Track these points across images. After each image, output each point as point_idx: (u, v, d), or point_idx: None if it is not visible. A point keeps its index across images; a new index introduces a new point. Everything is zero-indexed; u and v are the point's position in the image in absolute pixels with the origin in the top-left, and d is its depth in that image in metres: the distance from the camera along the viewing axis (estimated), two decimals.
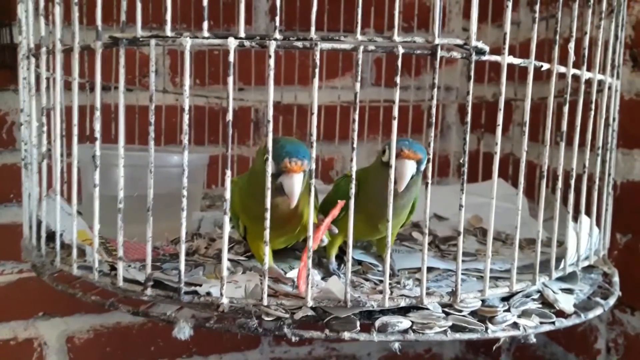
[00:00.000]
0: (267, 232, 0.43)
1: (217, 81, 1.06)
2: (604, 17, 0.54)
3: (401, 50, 0.42)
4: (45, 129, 0.51)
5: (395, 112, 0.42)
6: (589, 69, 0.53)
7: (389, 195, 0.43)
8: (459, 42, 0.43)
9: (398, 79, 0.42)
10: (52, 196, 0.57)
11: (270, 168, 0.43)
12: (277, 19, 0.42)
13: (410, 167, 0.50)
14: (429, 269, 0.59)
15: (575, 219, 0.56)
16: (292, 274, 0.53)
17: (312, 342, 1.17)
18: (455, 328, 0.45)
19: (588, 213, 0.58)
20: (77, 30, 0.47)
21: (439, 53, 0.42)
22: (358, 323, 0.44)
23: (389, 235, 0.44)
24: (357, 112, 0.42)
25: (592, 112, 0.55)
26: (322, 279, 0.56)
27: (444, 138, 1.18)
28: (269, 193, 0.43)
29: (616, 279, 0.62)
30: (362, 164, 1.15)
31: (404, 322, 0.45)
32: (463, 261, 0.63)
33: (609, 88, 0.60)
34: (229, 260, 0.58)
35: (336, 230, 0.53)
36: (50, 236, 0.56)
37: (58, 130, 0.49)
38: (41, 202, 0.53)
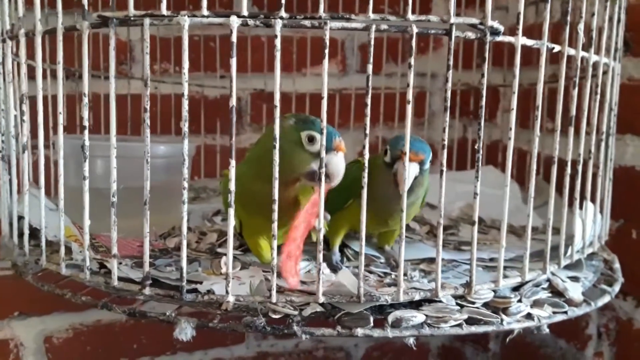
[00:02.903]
0: (274, 225, 0.41)
1: (198, 68, 1.02)
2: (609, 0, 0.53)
3: (415, 30, 0.40)
4: (25, 118, 0.48)
5: (410, 96, 0.40)
6: (595, 52, 0.52)
7: (403, 195, 0.41)
8: (475, 21, 0.41)
9: (412, 61, 0.40)
10: (31, 190, 0.54)
11: (277, 157, 0.41)
12: None
13: (412, 170, 0.48)
14: (433, 260, 0.57)
15: (572, 205, 0.55)
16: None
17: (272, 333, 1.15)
18: (470, 321, 0.44)
19: (586, 199, 0.57)
20: (60, 9, 0.43)
21: (454, 33, 0.40)
22: (371, 319, 0.42)
23: (403, 227, 0.42)
24: (370, 96, 0.40)
25: (599, 96, 0.53)
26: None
27: (431, 126, 1.17)
28: (276, 183, 0.41)
29: (617, 265, 0.62)
30: (349, 153, 1.13)
31: (418, 317, 0.43)
32: (464, 251, 0.62)
33: (609, 70, 0.58)
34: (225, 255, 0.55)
35: (328, 217, 0.50)
36: (30, 233, 0.52)
37: (41, 119, 0.46)
38: (23, 197, 0.49)
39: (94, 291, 0.48)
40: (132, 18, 0.40)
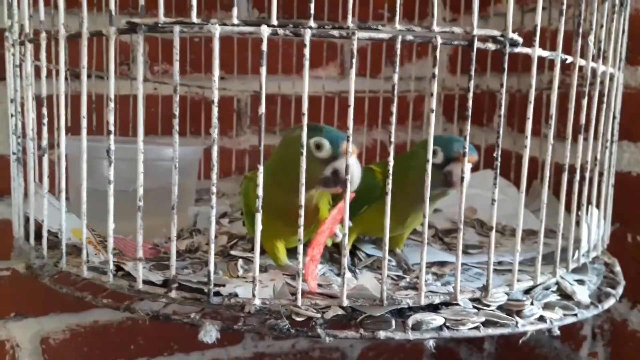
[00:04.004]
0: (301, 230, 0.41)
1: (199, 70, 1.02)
2: (616, 11, 0.55)
3: (439, 41, 0.41)
4: (46, 121, 0.48)
5: (434, 105, 0.41)
6: (603, 62, 0.53)
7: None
8: (496, 33, 0.42)
9: (437, 70, 0.41)
10: (41, 192, 0.54)
11: (304, 163, 0.41)
12: (312, 5, 0.40)
13: (469, 170, 0.50)
14: (443, 263, 0.59)
15: (578, 209, 0.56)
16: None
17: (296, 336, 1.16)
18: (486, 323, 0.45)
19: (592, 205, 0.59)
20: (85, 14, 0.44)
21: (476, 44, 0.41)
22: (393, 322, 0.43)
23: (424, 232, 0.43)
24: (395, 104, 0.41)
25: (605, 105, 0.55)
26: (339, 274, 0.55)
27: (425, 128, 1.18)
28: (302, 189, 0.41)
29: (618, 268, 0.64)
30: None
31: (437, 319, 0.44)
32: (471, 254, 0.63)
33: (613, 80, 0.60)
34: (242, 258, 0.56)
35: (351, 224, 0.51)
36: (38, 235, 0.53)
37: (62, 122, 0.46)
38: (41, 200, 0.49)
39: (111, 293, 0.49)
40: (161, 25, 0.40)
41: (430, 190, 0.42)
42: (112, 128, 0.43)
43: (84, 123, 0.44)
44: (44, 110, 0.48)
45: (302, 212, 0.41)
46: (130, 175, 0.58)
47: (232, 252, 0.59)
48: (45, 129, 0.48)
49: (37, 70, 0.49)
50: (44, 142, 0.48)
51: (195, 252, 0.61)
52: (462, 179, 0.44)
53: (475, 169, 1.02)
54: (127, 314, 1.05)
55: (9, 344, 0.96)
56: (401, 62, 1.12)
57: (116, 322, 1.03)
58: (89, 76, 0.87)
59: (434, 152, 0.52)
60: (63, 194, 0.47)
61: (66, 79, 0.79)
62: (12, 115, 0.54)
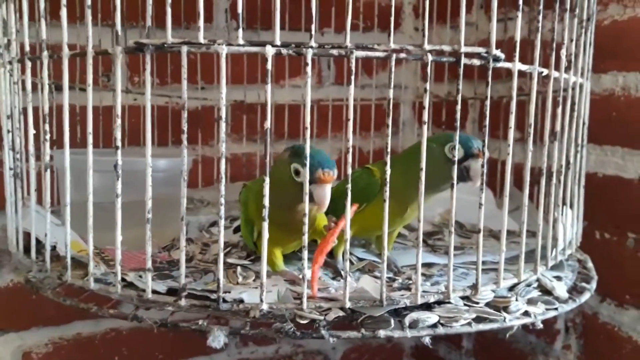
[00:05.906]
0: (305, 237, 0.44)
1: (179, 80, 1.03)
2: (584, 25, 0.59)
3: (430, 58, 0.44)
4: (48, 137, 0.49)
5: (425, 116, 0.44)
6: (573, 73, 0.58)
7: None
8: (481, 50, 0.45)
9: (428, 85, 0.44)
10: (28, 204, 0.55)
11: (307, 180, 0.44)
12: (313, 27, 0.42)
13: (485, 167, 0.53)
14: (429, 265, 0.62)
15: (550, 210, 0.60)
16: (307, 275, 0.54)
17: (279, 341, 1.18)
18: (477, 319, 0.48)
19: (566, 205, 0.63)
20: (90, 34, 0.45)
21: (463, 61, 0.45)
22: (392, 321, 0.46)
23: (420, 235, 0.46)
24: (391, 117, 0.44)
25: (576, 113, 0.59)
26: (333, 278, 0.57)
27: (400, 135, 1.22)
28: (306, 198, 0.44)
29: (590, 264, 0.68)
30: None
31: (432, 317, 0.47)
32: (455, 255, 0.67)
33: (582, 89, 0.65)
34: (239, 265, 0.58)
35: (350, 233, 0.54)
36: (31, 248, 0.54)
37: (67, 138, 0.47)
38: (45, 214, 0.50)
39: (114, 303, 0.50)
40: (169, 45, 0.42)
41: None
42: (119, 144, 0.44)
43: (90, 139, 0.46)
44: (47, 127, 0.49)
45: (306, 220, 0.44)
46: (122, 187, 0.59)
47: (228, 260, 0.61)
48: (47, 145, 0.49)
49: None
50: (47, 158, 0.49)
51: (190, 261, 0.62)
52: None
53: None
54: (109, 326, 1.06)
55: None
56: (377, 71, 1.15)
57: (99, 333, 1.03)
58: (72, 88, 0.88)
59: (454, 148, 0.56)
60: (68, 208, 0.48)
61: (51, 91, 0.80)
62: (8, 132, 0.55)
